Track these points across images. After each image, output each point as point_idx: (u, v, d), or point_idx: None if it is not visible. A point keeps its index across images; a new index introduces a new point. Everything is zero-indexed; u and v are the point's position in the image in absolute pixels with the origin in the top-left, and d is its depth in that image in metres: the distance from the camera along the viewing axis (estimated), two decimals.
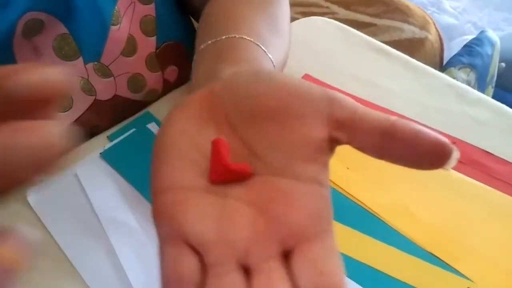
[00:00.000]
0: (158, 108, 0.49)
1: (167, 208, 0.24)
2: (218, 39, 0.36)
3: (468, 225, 0.41)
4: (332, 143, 0.25)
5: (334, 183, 0.42)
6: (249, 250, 0.23)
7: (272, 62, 0.35)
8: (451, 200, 0.43)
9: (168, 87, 0.51)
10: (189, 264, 0.22)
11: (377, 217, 0.41)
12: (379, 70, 0.54)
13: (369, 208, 0.41)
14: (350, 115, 0.24)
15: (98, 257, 0.38)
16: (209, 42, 0.36)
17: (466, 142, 0.47)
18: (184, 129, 0.26)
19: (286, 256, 0.23)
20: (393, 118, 0.23)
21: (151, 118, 0.47)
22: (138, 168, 0.43)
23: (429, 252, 0.39)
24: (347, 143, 0.24)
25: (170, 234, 0.24)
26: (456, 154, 0.22)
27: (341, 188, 0.42)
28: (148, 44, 0.47)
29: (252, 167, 0.25)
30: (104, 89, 0.46)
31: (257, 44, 0.35)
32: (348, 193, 0.42)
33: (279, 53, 0.38)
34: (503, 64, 1.12)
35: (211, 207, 0.24)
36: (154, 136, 0.46)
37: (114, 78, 0.46)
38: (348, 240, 0.39)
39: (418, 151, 0.22)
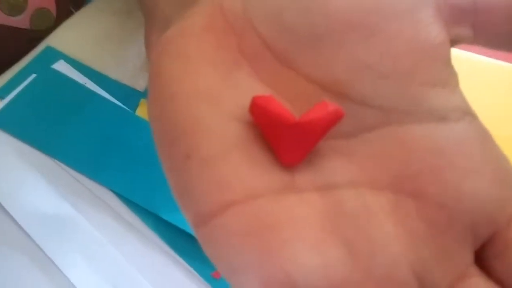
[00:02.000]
0: (63, 38, 0.33)
1: (248, 241, 0.13)
2: None
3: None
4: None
5: None
6: (424, 273, 0.13)
7: None
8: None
9: (64, 6, 0.35)
10: None
11: None
12: None
13: None
14: None
15: (25, 276, 0.24)
16: None
17: None
18: (201, 86, 0.14)
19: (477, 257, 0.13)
20: None
21: (56, 55, 0.32)
22: (53, 129, 0.29)
23: None
24: (472, 41, 0.15)
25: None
26: None
27: None
28: None
29: (337, 105, 0.14)
30: None
31: None
32: None
33: None
34: None
35: (319, 217, 0.13)
36: (65, 80, 0.33)
37: None
38: None
39: None
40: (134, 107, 0.31)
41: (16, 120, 0.29)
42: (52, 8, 0.35)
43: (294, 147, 0.13)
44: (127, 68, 0.33)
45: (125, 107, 0.30)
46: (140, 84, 0.32)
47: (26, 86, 0.30)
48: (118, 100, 0.31)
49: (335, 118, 0.13)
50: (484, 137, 0.14)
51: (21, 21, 0.33)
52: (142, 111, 0.30)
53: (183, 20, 0.16)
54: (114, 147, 0.28)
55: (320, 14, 0.14)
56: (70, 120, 0.29)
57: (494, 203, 0.13)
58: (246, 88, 0.14)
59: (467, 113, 0.14)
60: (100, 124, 0.29)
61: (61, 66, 0.32)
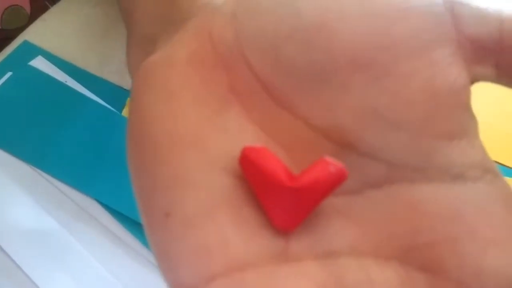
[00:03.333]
0: (41, 32, 0.31)
1: None
2: None
3: None
4: None
5: None
6: None
7: None
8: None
9: (38, 2, 0.33)
10: None
11: None
12: None
13: None
14: (495, 30, 0.13)
15: None
16: None
17: None
18: (185, 129, 0.13)
19: None
20: None
21: (33, 50, 0.30)
22: (32, 133, 0.27)
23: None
24: (493, 80, 0.13)
25: None
26: None
27: None
28: None
29: (340, 164, 0.12)
30: None
31: None
32: None
33: None
34: None
35: None
36: (44, 78, 0.30)
37: None
38: None
39: None
40: (121, 107, 0.29)
41: None
42: (25, 5, 0.32)
43: (289, 211, 0.12)
44: (112, 64, 0.31)
45: (111, 107, 0.29)
46: (127, 81, 0.30)
47: (1, 86, 0.29)
48: (103, 99, 0.29)
49: (338, 180, 0.12)
50: (509, 200, 0.12)
51: None
52: None
53: (168, 46, 0.14)
54: (99, 153, 0.26)
55: (324, 50, 0.13)
56: (50, 122, 0.27)
57: None
58: (236, 132, 0.13)
59: (488, 171, 0.12)
60: (83, 127, 0.27)
61: (39, 63, 0.30)
